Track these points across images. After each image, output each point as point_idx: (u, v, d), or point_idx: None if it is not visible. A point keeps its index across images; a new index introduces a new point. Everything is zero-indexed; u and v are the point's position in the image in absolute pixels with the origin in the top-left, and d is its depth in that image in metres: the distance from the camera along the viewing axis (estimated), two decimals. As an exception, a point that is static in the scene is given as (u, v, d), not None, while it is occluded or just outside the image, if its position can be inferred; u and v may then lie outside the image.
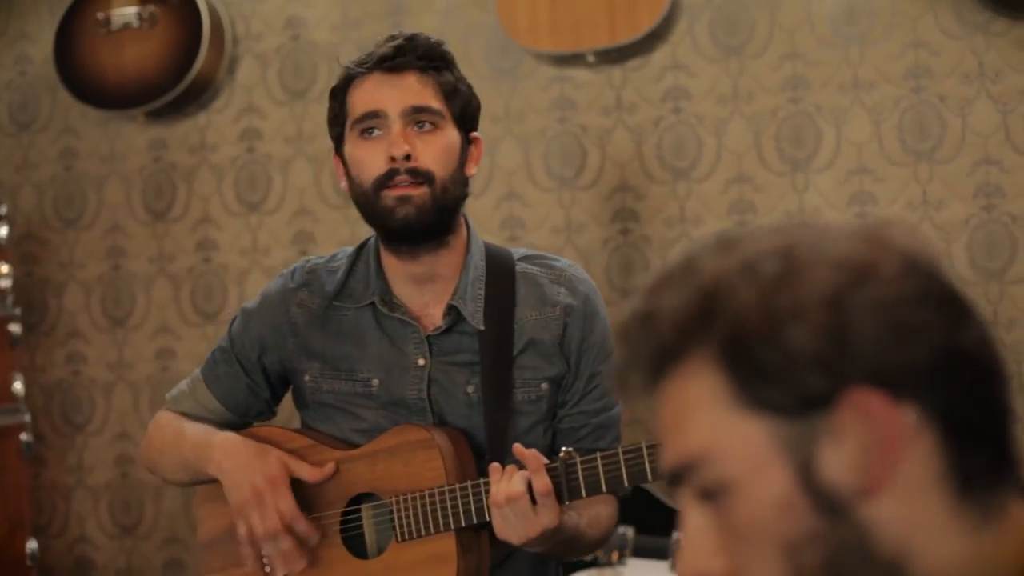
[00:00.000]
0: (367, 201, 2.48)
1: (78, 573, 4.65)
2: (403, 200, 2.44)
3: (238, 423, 2.66)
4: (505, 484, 2.29)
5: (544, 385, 2.51)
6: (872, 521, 1.06)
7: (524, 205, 4.24)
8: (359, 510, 2.53)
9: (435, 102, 2.48)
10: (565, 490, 2.30)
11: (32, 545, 4.38)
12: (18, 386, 4.39)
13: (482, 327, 2.49)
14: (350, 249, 2.63)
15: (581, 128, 4.17)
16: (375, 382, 2.53)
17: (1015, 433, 1.11)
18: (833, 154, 3.96)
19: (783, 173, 3.97)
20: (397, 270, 2.53)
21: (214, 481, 2.57)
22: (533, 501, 2.28)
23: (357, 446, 2.53)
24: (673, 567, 1.16)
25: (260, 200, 4.46)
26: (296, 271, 2.63)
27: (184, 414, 2.67)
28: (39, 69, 4.66)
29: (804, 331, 1.05)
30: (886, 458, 1.05)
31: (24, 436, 4.38)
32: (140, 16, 4.38)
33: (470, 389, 2.50)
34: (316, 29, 4.40)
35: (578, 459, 2.30)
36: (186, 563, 4.51)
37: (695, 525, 1.12)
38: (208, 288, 4.49)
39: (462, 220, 2.56)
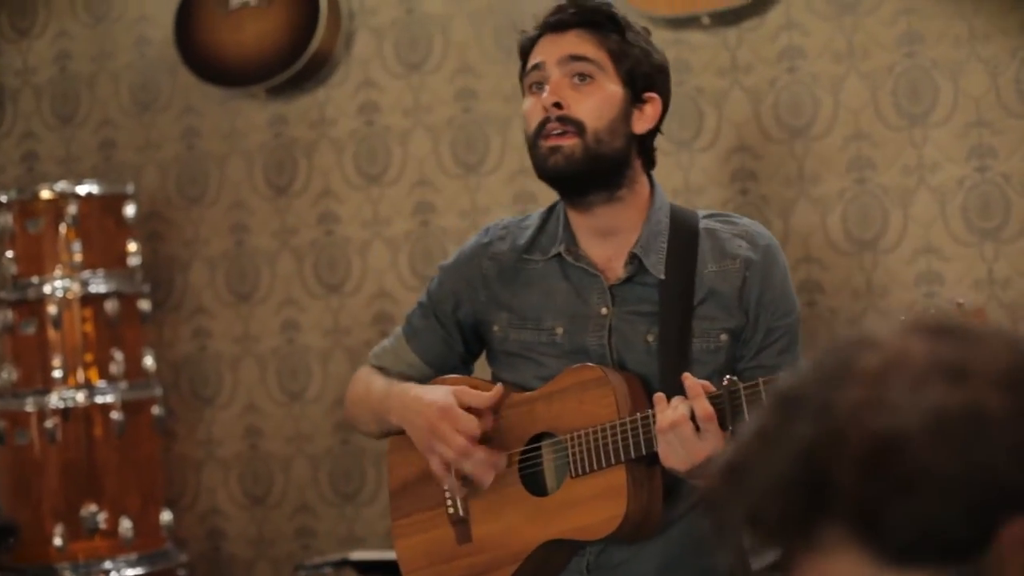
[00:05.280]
0: (530, 151, 2.61)
1: (211, 543, 4.74)
2: (553, 150, 2.54)
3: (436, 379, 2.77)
4: (671, 412, 2.36)
5: (723, 336, 2.56)
6: None
7: (642, 169, 4.27)
8: (538, 449, 2.61)
9: (592, 52, 2.57)
10: (729, 415, 2.35)
11: (167, 517, 4.48)
12: (148, 361, 4.49)
13: (663, 276, 2.56)
14: (543, 210, 2.74)
15: (697, 90, 4.19)
16: (559, 331, 2.61)
17: None
18: (951, 108, 3.96)
19: (901, 128, 3.99)
20: (579, 223, 2.63)
21: (403, 431, 2.69)
22: (697, 428, 2.35)
23: None
24: None
25: (380, 172, 4.51)
26: (490, 228, 2.75)
27: (383, 369, 2.79)
28: (158, 50, 4.74)
29: (938, 493, 1.04)
30: None
31: (156, 410, 4.49)
32: (258, -6, 4.46)
33: (650, 338, 2.56)
34: (430, 1, 4.45)
35: (741, 386, 2.36)
36: (316, 531, 4.59)
37: None
38: (331, 260, 4.56)
39: (642, 178, 2.64)
